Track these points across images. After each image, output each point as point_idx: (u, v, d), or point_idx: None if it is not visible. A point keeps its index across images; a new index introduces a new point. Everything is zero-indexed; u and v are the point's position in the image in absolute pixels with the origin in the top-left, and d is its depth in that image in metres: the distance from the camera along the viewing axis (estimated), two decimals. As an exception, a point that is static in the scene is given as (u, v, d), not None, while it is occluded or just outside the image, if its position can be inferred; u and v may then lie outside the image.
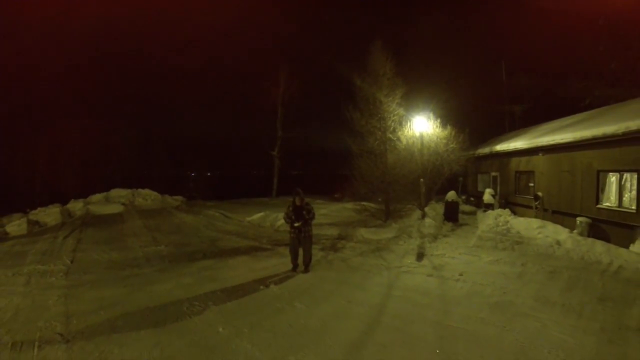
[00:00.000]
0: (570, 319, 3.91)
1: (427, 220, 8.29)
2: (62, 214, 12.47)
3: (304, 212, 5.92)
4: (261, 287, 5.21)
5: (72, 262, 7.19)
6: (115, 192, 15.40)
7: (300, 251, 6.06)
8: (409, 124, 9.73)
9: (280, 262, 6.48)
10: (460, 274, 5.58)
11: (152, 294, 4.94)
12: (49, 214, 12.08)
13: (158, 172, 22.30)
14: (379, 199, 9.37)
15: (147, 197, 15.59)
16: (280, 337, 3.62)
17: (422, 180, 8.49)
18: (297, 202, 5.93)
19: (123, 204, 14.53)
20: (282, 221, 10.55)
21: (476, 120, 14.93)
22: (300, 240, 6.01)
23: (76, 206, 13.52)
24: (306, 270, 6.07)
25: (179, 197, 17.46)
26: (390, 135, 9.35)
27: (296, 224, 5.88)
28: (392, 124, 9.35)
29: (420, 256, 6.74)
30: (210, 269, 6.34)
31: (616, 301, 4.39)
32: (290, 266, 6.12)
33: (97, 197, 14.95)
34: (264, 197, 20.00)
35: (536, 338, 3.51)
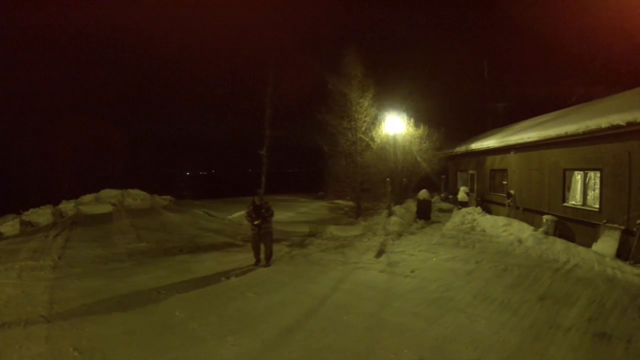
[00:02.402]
0: (503, 316, 4.13)
1: (393, 219, 8.76)
2: (53, 215, 13.32)
3: (263, 211, 6.49)
4: (223, 278, 5.93)
5: (59, 258, 7.89)
6: (106, 193, 16.25)
7: (263, 247, 6.68)
8: (383, 123, 10.16)
9: (247, 257, 7.08)
10: (412, 271, 6.03)
11: (129, 284, 5.66)
12: (41, 215, 12.92)
13: (149, 171, 23.16)
14: (347, 198, 9.85)
15: (136, 197, 16.41)
16: (226, 320, 4.25)
17: (388, 179, 8.95)
18: (257, 201, 6.55)
19: (113, 204, 15.36)
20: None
21: (459, 118, 15.25)
22: (261, 236, 6.59)
23: (67, 207, 14.39)
24: (267, 264, 6.72)
25: (168, 197, 18.31)
26: (362, 136, 9.84)
27: (256, 222, 6.46)
28: (364, 124, 9.82)
29: (379, 253, 7.24)
30: (184, 263, 7.10)
31: (557, 300, 4.53)
32: (254, 261, 6.73)
33: (88, 197, 15.82)
34: (252, 195, 20.55)
35: (460, 333, 3.74)
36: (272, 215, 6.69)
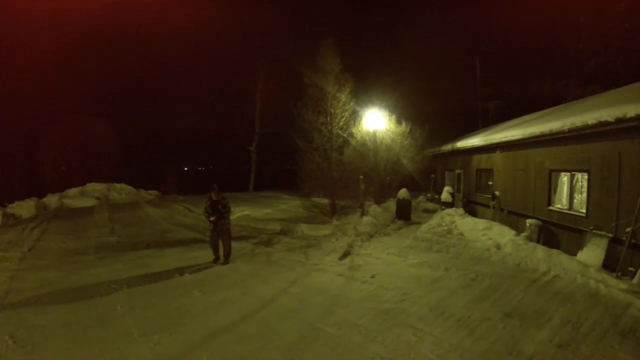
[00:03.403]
0: (456, 336, 3.60)
1: (366, 219, 8.25)
2: (36, 207, 13.24)
3: (220, 207, 6.12)
4: (176, 275, 5.84)
5: (29, 250, 7.98)
6: (91, 187, 16.12)
7: (221, 244, 6.40)
8: (363, 119, 9.64)
9: (209, 253, 6.83)
10: (372, 276, 5.56)
11: (85, 277, 5.71)
12: (25, 207, 12.87)
13: (141, 166, 22.95)
14: (320, 195, 9.37)
15: (121, 191, 16.23)
16: (162, 318, 4.16)
17: (361, 177, 8.44)
18: (214, 197, 6.21)
19: (97, 197, 15.21)
20: (236, 215, 10.80)
21: (449, 117, 14.66)
22: (218, 233, 6.24)
23: (51, 200, 14.28)
24: (225, 262, 6.40)
25: (154, 192, 18.07)
26: (339, 132, 9.32)
27: (211, 218, 6.10)
28: (342, 120, 9.32)
29: (344, 255, 6.79)
30: (145, 257, 7.01)
31: (525, 318, 3.97)
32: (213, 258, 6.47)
33: (73, 191, 15.70)
34: (242, 192, 20.21)
35: (399, 354, 3.29)
36: (229, 211, 6.35)
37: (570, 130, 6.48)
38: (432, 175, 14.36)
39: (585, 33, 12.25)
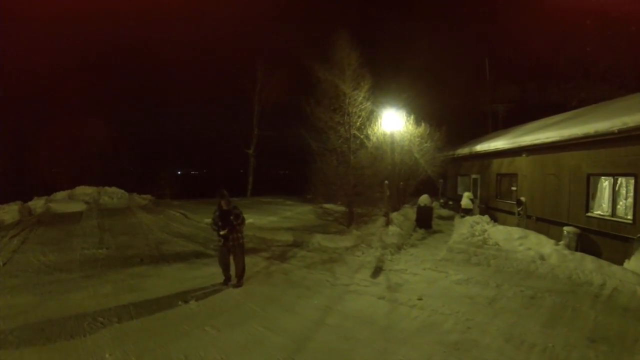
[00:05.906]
0: None
1: (391, 228, 7.12)
2: (20, 212, 11.50)
3: (232, 218, 4.83)
4: (180, 302, 4.51)
5: (4, 264, 6.67)
6: (81, 190, 14.31)
7: (233, 262, 5.08)
8: (379, 120, 8.55)
9: (216, 272, 5.51)
10: (419, 298, 4.49)
11: (63, 304, 4.50)
12: (8, 212, 11.17)
13: (132, 168, 21.11)
14: (338, 202, 8.20)
15: (113, 195, 14.49)
16: None
17: (386, 182, 7.32)
18: (224, 206, 4.93)
19: (87, 202, 13.45)
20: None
21: (458, 119, 13.89)
22: (229, 249, 4.95)
23: (37, 204, 12.52)
24: (238, 284, 5.12)
25: (148, 196, 16.32)
26: (356, 132, 8.20)
27: (222, 232, 4.81)
28: (359, 119, 8.19)
29: (376, 271, 5.61)
30: (138, 277, 5.66)
31: (612, 343, 3.34)
32: (222, 278, 5.15)
33: (61, 194, 13.89)
34: (240, 197, 18.70)
35: None
36: (242, 223, 5.04)
37: (621, 131, 5.62)
38: (441, 180, 13.38)
39: (592, 36, 11.76)
